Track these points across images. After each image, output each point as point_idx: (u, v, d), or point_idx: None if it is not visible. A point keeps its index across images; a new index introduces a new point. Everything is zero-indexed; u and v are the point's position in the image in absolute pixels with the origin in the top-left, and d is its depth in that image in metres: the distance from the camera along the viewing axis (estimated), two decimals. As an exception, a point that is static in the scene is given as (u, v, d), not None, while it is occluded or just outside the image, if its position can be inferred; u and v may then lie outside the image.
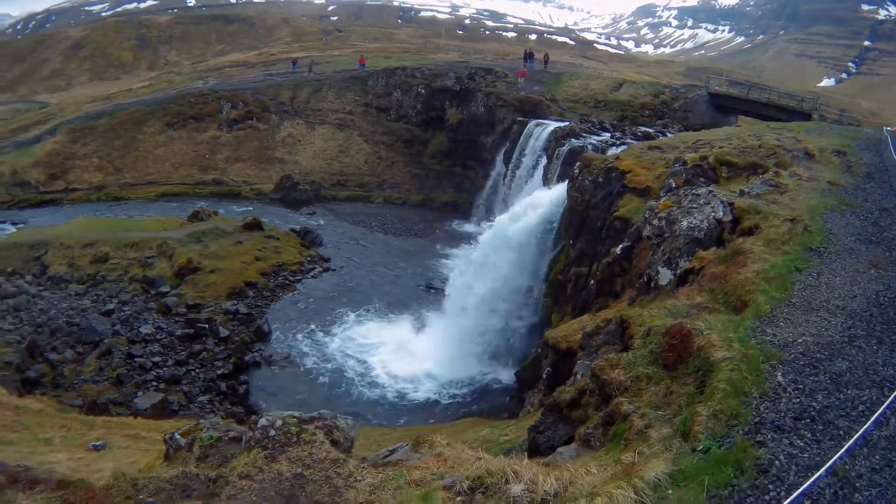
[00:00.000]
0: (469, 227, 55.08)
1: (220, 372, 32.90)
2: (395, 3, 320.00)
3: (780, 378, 9.74)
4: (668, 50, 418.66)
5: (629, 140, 42.80)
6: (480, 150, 60.51)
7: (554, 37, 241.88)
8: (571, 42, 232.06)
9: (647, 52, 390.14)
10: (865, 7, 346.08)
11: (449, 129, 64.70)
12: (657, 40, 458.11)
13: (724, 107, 58.88)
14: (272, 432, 7.74)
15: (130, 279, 42.99)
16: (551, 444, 12.91)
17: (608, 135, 46.05)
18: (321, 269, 45.90)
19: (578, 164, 33.89)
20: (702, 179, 25.36)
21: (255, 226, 49.93)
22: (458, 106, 65.10)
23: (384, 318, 39.31)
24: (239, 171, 66.40)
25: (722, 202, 19.13)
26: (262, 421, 7.95)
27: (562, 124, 48.74)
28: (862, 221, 18.68)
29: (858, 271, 14.69)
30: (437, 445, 8.74)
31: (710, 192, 20.16)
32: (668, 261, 18.45)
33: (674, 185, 25.46)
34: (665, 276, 18.33)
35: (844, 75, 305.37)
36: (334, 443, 7.95)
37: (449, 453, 8.46)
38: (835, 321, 11.88)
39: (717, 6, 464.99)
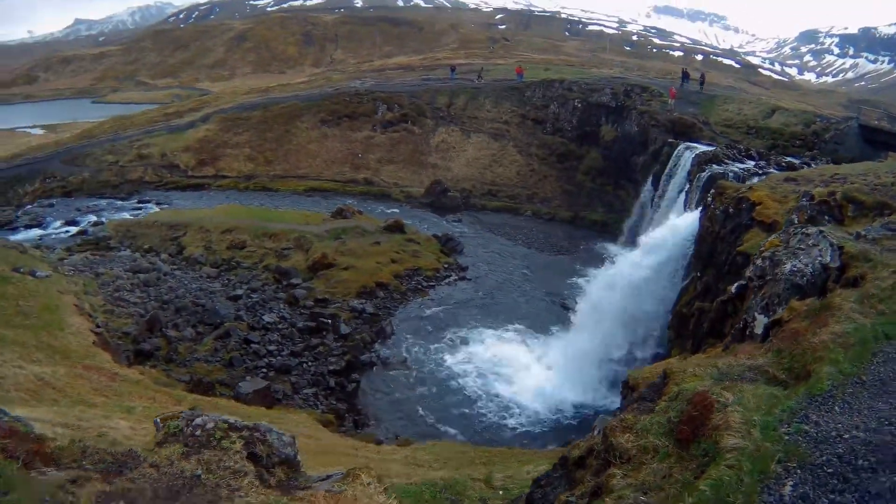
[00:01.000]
0: (614, 249, 53.29)
1: (331, 367, 32.83)
2: (564, 16, 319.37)
3: (787, 489, 6.71)
4: (829, 79, 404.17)
5: (772, 170, 40.73)
6: (633, 169, 58.27)
7: (720, 59, 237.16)
8: (736, 65, 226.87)
9: (809, 79, 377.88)
10: None
11: (603, 145, 62.59)
12: (819, 68, 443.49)
13: (875, 141, 54.68)
14: (199, 432, 7.52)
15: (264, 268, 44.09)
16: (546, 501, 11.66)
17: (752, 163, 43.80)
18: (457, 277, 45.09)
19: (713, 191, 32.00)
20: (826, 217, 23.24)
21: (396, 228, 49.82)
22: (614, 122, 63.06)
23: (509, 331, 38.25)
24: (391, 173, 66.69)
25: (831, 245, 16.66)
26: (197, 420, 7.67)
27: (708, 149, 46.66)
28: None
29: None
30: (358, 483, 7.91)
31: (821, 232, 17.77)
32: (766, 307, 16.08)
33: (796, 221, 23.22)
34: (761, 324, 15.37)
35: None
36: (252, 455, 7.49)
37: (352, 494, 7.61)
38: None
39: (878, 35, 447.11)
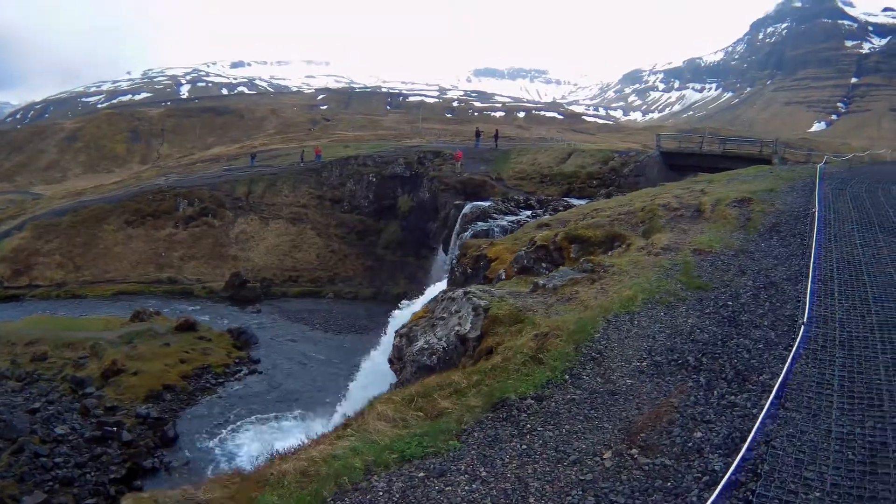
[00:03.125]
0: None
1: (112, 476, 31.42)
2: (384, 90, 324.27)
3: None
4: (656, 115, 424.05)
5: (548, 216, 39.03)
6: (429, 237, 59.31)
7: (542, 112, 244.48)
8: (560, 116, 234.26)
9: (635, 119, 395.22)
10: (849, 43, 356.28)
11: (401, 217, 63.58)
12: (644, 106, 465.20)
13: (678, 165, 56.48)
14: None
15: (62, 378, 41.91)
16: None
17: (528, 213, 43.21)
18: (247, 372, 44.32)
19: (458, 252, 32.03)
20: (544, 264, 22.79)
21: (187, 327, 48.70)
22: (410, 192, 64.18)
23: (291, 418, 38.21)
24: (193, 270, 65.56)
25: (474, 310, 14.77)
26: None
27: (482, 204, 46.65)
28: (698, 318, 13.46)
29: (581, 454, 9.26)
30: None
31: (466, 294, 15.78)
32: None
33: (503, 277, 23.15)
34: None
35: (834, 116, 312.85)
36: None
37: None
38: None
39: (703, 64, 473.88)
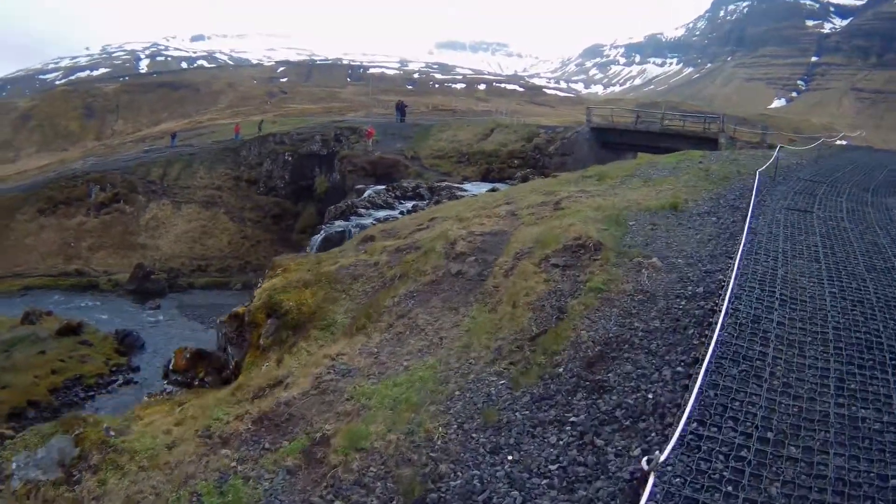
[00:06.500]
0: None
1: None
2: (345, 62, 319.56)
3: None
4: (617, 88, 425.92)
5: (397, 214, 34.07)
6: (344, 223, 55.31)
7: (503, 85, 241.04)
8: (521, 89, 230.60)
9: (596, 92, 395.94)
10: (810, 23, 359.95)
11: (317, 199, 58.97)
12: (606, 80, 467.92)
13: (612, 143, 52.35)
14: None
15: None
16: None
17: (411, 204, 37.15)
18: (122, 382, 39.81)
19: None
20: (229, 349, 18.59)
21: (69, 330, 44.35)
22: (327, 172, 59.82)
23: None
24: (101, 260, 60.99)
25: None
26: None
27: (374, 192, 41.70)
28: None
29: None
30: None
31: None
32: None
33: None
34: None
35: (795, 94, 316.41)
36: None
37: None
38: None
39: (664, 39, 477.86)
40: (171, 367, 22.48)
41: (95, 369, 40.79)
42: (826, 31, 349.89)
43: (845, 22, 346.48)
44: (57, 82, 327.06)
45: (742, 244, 14.32)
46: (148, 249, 60.57)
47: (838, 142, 53.04)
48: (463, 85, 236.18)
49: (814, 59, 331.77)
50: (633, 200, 19.77)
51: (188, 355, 22.40)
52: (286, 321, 17.15)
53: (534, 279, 14.34)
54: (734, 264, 12.97)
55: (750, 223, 16.33)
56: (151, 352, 44.53)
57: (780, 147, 29.89)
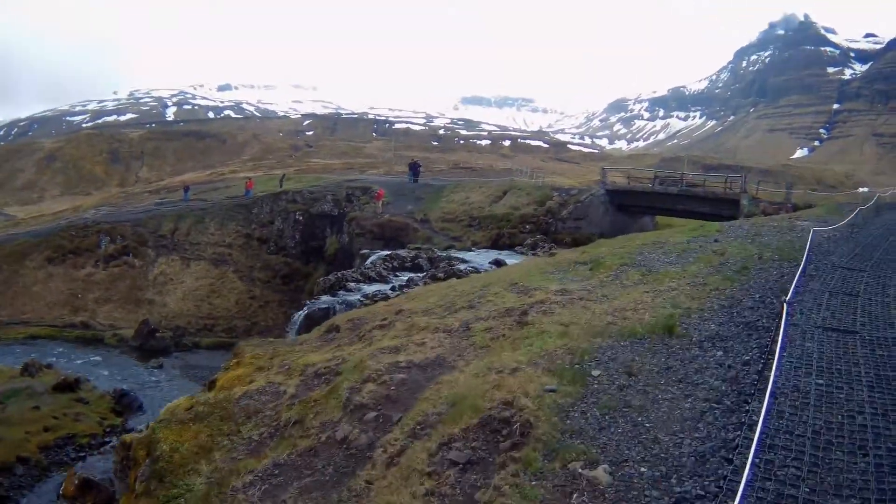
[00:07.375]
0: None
1: None
2: (371, 116, 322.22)
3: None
4: (641, 143, 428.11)
5: (423, 283, 31.56)
6: (349, 287, 54.53)
7: (528, 141, 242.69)
8: (545, 145, 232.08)
9: (620, 147, 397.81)
10: (831, 70, 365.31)
11: (328, 260, 58.45)
12: (630, 135, 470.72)
13: (629, 206, 50.91)
14: None
15: None
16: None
17: (406, 277, 34.88)
18: (116, 444, 39.61)
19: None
20: None
21: (66, 386, 43.63)
22: (337, 233, 59.37)
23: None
24: (107, 314, 60.48)
25: None
26: None
27: (379, 254, 40.83)
28: None
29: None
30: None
31: None
32: None
33: None
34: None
35: (817, 143, 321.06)
36: None
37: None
38: None
39: (687, 92, 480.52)
40: (61, 492, 21.01)
41: (89, 429, 40.07)
42: (847, 76, 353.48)
43: (865, 67, 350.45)
44: (84, 125, 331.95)
45: (759, 427, 8.21)
46: (155, 305, 60.07)
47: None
48: (488, 141, 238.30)
49: (835, 106, 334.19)
50: (620, 312, 15.38)
51: (76, 482, 20.72)
52: (155, 469, 14.32)
53: (415, 485, 9.98)
54: (739, 487, 7.02)
55: (775, 376, 9.75)
56: (149, 413, 43.67)
57: (811, 227, 23.97)
